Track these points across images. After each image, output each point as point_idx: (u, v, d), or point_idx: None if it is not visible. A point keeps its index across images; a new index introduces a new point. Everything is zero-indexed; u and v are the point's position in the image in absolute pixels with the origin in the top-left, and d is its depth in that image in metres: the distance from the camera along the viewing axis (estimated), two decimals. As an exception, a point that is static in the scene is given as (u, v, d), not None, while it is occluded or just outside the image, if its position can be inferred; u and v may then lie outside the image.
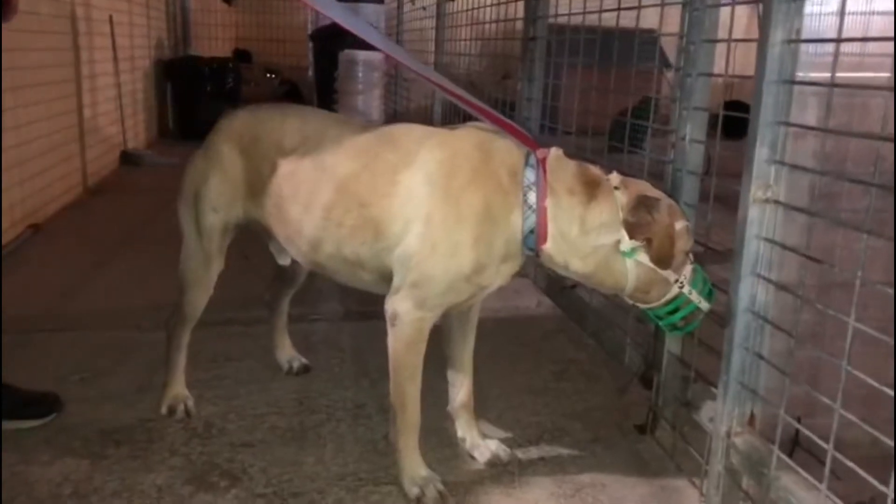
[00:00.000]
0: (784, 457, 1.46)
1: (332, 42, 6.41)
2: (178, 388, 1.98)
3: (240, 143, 1.80)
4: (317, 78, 7.60)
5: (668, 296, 1.56)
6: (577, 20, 2.67)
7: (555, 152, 1.60)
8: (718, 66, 1.76)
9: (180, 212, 1.88)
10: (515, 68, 3.27)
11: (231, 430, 1.90)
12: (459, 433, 1.87)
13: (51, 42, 4.19)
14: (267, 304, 2.22)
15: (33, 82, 3.78)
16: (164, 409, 1.94)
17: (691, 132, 1.80)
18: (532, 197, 1.55)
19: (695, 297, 1.56)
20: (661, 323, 1.63)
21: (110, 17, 5.33)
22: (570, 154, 1.65)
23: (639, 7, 2.14)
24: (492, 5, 3.86)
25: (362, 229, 1.58)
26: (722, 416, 1.61)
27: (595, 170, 1.62)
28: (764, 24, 1.45)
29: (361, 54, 6.03)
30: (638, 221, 1.51)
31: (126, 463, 1.74)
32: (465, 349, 1.85)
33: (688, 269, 1.57)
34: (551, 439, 1.93)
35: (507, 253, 1.58)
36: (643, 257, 1.53)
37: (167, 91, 7.04)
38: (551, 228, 1.55)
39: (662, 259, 1.52)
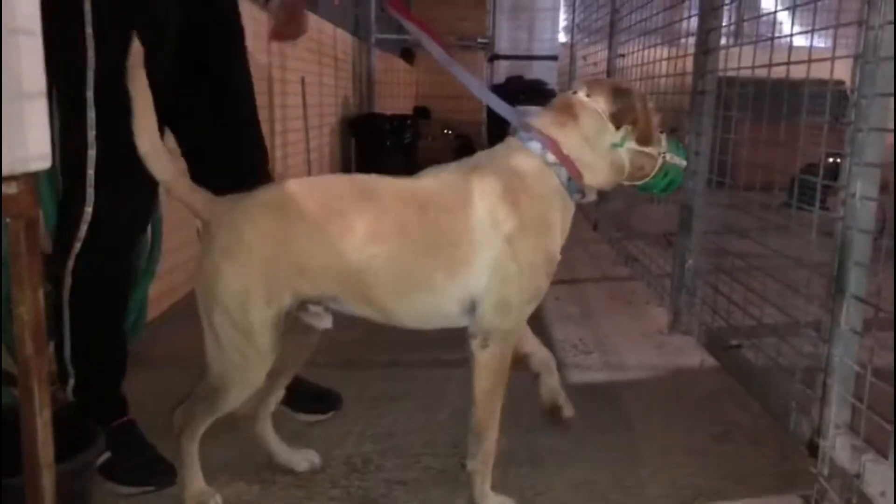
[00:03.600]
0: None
1: (506, 98, 6.59)
2: (199, 484, 1.76)
3: (276, 224, 1.62)
4: (489, 132, 7.84)
5: (657, 168, 1.81)
6: (747, 73, 2.63)
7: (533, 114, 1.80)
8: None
9: (213, 318, 1.61)
10: (683, 122, 3.24)
11: (387, 468, 1.99)
12: None
13: (250, 103, 4.62)
14: (245, 415, 1.90)
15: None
16: None
17: (862, 189, 1.72)
18: (550, 157, 1.71)
19: (676, 161, 1.83)
20: (654, 191, 1.88)
21: (302, 78, 5.81)
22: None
23: (809, 61, 2.08)
24: (660, 60, 3.85)
25: (454, 269, 1.64)
26: (894, 491, 1.51)
27: (561, 96, 1.83)
28: (939, 76, 1.39)
29: (530, 110, 6.16)
30: (621, 109, 1.74)
31: (291, 490, 1.87)
32: None
33: (664, 141, 1.82)
34: (707, 502, 1.87)
35: (564, 211, 1.75)
36: (631, 143, 1.76)
37: (351, 146, 7.52)
38: (578, 165, 1.73)
39: (647, 136, 1.77)
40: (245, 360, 1.64)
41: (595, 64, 5.93)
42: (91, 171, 1.74)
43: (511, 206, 1.65)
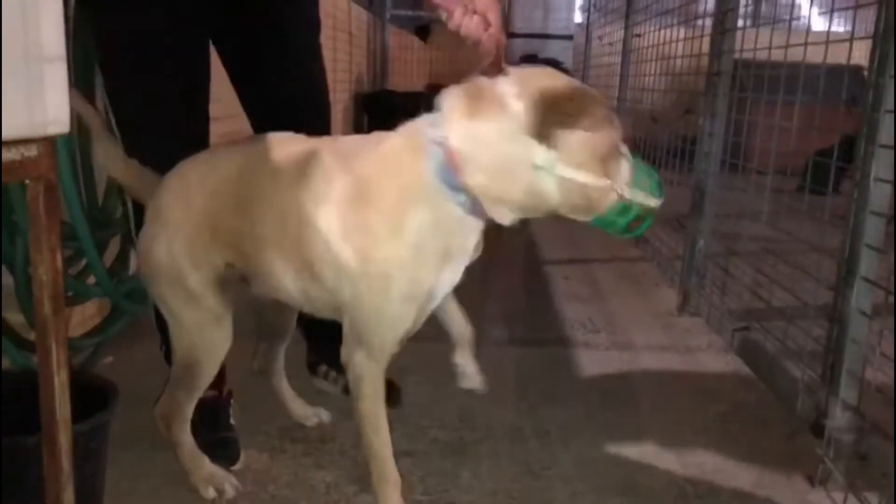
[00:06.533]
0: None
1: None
2: (208, 465, 1.75)
3: (184, 191, 1.60)
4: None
5: (610, 203, 1.37)
6: (764, 55, 2.61)
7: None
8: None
9: (159, 291, 1.62)
10: (698, 103, 3.23)
11: (395, 439, 1.98)
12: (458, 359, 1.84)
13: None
14: (261, 370, 2.04)
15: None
16: (210, 493, 1.71)
17: (877, 171, 1.72)
18: (445, 175, 1.36)
19: (640, 198, 1.38)
20: (610, 230, 1.43)
21: (317, 53, 5.79)
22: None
23: (826, 42, 2.07)
24: (677, 41, 3.83)
25: (303, 266, 1.52)
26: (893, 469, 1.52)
27: (480, 82, 1.39)
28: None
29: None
30: (547, 121, 1.29)
31: (300, 459, 1.89)
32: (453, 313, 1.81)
33: (624, 169, 1.38)
34: (712, 482, 1.88)
35: (452, 235, 1.43)
36: (562, 168, 1.31)
37: (364, 123, 7.51)
38: (481, 188, 1.35)
39: (585, 161, 1.31)
40: (202, 325, 1.63)
41: (611, 44, 5.90)
42: None
43: (366, 222, 1.39)
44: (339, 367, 2.07)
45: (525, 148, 1.31)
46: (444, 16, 1.49)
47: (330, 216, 1.41)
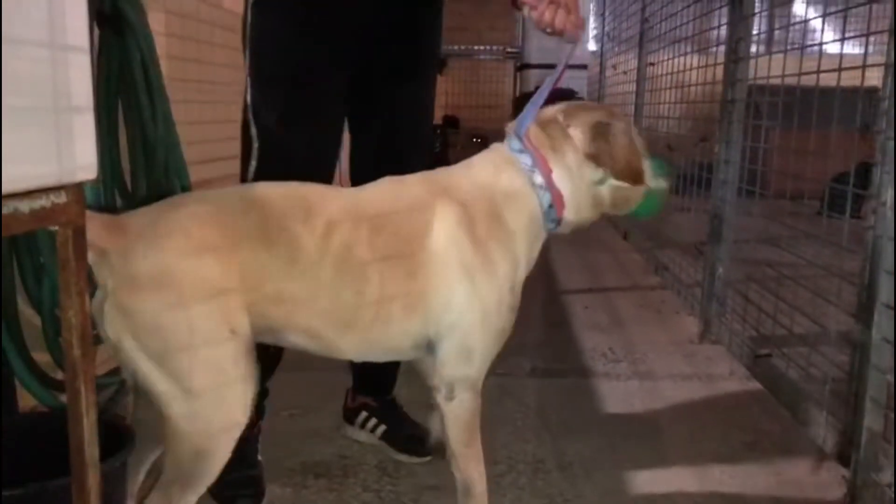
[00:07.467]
0: None
1: (535, 107, 6.59)
2: None
3: (219, 238, 1.35)
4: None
5: (641, 197, 1.62)
6: (778, 81, 2.62)
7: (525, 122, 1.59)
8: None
9: (173, 365, 1.31)
10: (713, 131, 3.24)
11: (419, 473, 2.01)
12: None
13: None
14: None
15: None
16: None
17: (893, 197, 1.72)
18: (538, 178, 1.54)
19: (658, 185, 1.63)
20: (637, 216, 1.70)
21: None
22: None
23: (839, 69, 2.08)
24: (690, 69, 3.85)
25: (411, 303, 1.51)
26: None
27: (543, 112, 1.60)
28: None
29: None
30: (598, 151, 1.53)
31: (323, 494, 1.90)
32: None
33: (647, 167, 1.60)
34: (736, 511, 1.87)
35: (534, 241, 1.62)
36: (612, 181, 1.56)
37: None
38: (563, 194, 1.56)
39: (630, 174, 1.55)
40: (225, 400, 1.35)
41: (625, 73, 5.93)
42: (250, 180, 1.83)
43: (477, 238, 1.47)
44: (379, 411, 2.13)
45: (588, 168, 1.55)
46: (526, 10, 1.60)
47: (452, 248, 1.46)
